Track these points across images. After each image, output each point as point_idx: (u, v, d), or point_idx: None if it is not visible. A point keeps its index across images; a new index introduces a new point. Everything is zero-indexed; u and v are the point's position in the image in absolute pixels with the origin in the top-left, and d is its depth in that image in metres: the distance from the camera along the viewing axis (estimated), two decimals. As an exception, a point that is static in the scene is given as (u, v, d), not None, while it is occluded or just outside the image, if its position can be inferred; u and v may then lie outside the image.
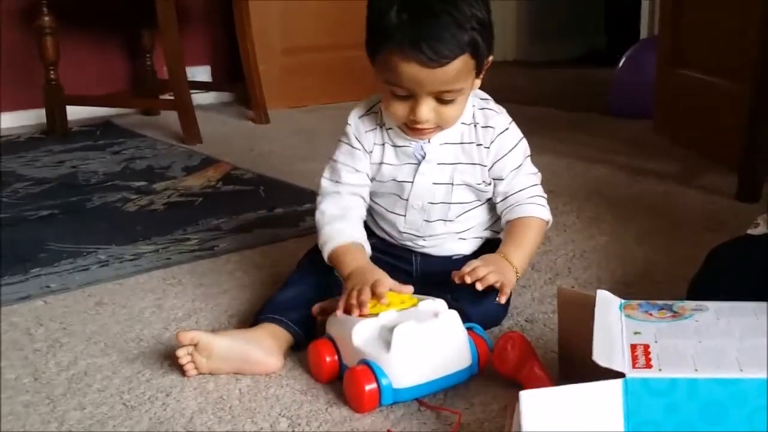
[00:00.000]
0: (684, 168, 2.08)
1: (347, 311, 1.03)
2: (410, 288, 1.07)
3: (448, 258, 1.23)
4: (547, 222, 1.20)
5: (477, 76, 1.12)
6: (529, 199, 1.19)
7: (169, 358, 1.11)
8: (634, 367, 0.76)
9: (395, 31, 1.03)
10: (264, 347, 1.07)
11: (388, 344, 0.96)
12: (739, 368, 0.74)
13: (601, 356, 0.77)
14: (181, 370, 1.06)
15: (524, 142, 1.20)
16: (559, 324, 1.04)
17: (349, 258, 1.13)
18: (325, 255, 1.16)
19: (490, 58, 1.13)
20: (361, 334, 0.99)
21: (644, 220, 1.67)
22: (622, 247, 1.52)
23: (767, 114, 1.75)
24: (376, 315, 1.01)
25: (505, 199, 1.19)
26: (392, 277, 1.20)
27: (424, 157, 1.17)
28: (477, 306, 1.13)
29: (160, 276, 1.44)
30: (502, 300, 1.10)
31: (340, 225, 1.16)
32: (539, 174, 1.23)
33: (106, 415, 0.99)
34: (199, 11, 3.35)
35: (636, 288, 1.32)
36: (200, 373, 1.06)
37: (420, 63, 1.03)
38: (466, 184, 1.18)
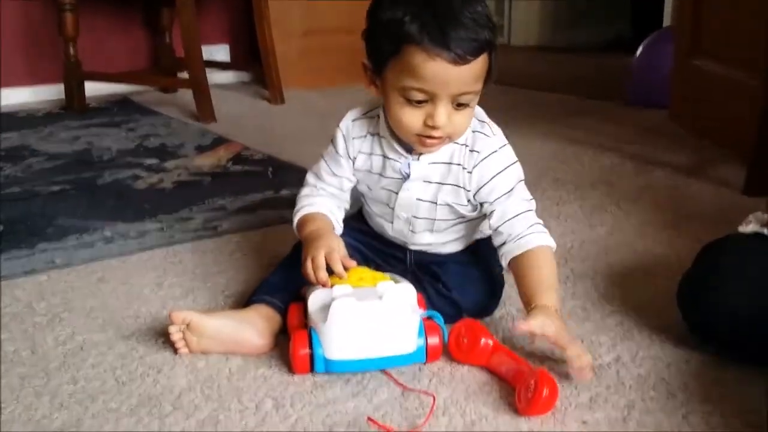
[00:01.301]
0: (696, 159, 2.06)
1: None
2: (353, 263, 1.08)
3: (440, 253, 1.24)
4: (554, 248, 1.14)
5: (487, 80, 1.08)
6: (529, 228, 1.12)
7: (164, 336, 1.12)
8: None
9: (417, 33, 0.99)
10: (255, 328, 1.09)
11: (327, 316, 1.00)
12: None
13: None
14: (173, 347, 1.09)
15: (516, 167, 1.15)
16: None
17: (309, 224, 1.16)
18: (294, 226, 1.20)
19: None
20: (314, 301, 1.04)
21: (649, 212, 1.67)
22: (623, 238, 1.52)
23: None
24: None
25: (501, 227, 1.12)
26: (386, 263, 1.23)
27: (408, 176, 1.14)
28: (468, 295, 1.15)
29: (162, 254, 1.47)
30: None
31: (313, 200, 1.21)
32: (533, 201, 1.16)
33: (97, 389, 1.01)
34: (220, -10, 3.36)
35: (630, 280, 1.32)
36: (192, 352, 1.08)
37: (448, 61, 1.00)
38: (447, 204, 1.15)
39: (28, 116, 2.73)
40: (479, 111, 1.15)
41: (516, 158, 1.16)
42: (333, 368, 1.01)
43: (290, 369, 1.03)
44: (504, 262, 1.14)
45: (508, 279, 1.28)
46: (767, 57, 1.78)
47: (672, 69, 2.48)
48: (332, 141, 1.20)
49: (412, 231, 1.20)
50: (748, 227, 1.11)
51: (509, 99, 2.89)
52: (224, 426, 0.93)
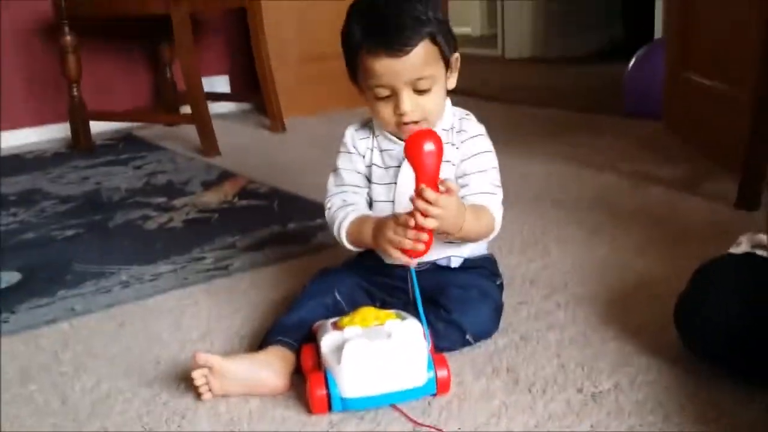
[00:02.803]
0: (690, 174, 2.11)
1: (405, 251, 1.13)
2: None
3: (442, 270, 1.30)
4: (495, 230, 1.25)
5: (447, 67, 1.22)
6: (489, 202, 1.24)
7: (185, 380, 1.18)
8: None
9: (361, 39, 1.18)
10: (272, 370, 1.14)
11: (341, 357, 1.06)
12: None
13: None
14: (196, 391, 1.14)
15: (493, 155, 1.29)
16: None
17: (366, 224, 1.22)
18: (344, 239, 1.26)
19: (456, 55, 1.24)
20: (326, 344, 1.09)
21: (646, 230, 1.72)
22: (622, 259, 1.57)
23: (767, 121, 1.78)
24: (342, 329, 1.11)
25: (468, 197, 1.23)
26: (391, 296, 1.29)
27: (404, 160, 1.25)
28: (470, 318, 1.22)
29: (177, 296, 1.52)
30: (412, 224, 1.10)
31: (349, 209, 1.27)
32: (501, 189, 1.27)
33: (126, 437, 1.07)
34: (217, 21, 3.43)
35: (628, 302, 1.37)
36: (214, 396, 1.13)
37: (389, 55, 1.15)
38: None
39: (36, 158, 2.80)
40: (461, 110, 1.30)
41: (493, 149, 1.29)
42: (350, 406, 1.07)
43: (308, 409, 1.08)
44: None
45: (508, 301, 1.35)
46: (755, 75, 1.82)
47: (664, 81, 2.53)
48: (342, 149, 1.32)
49: None
50: (739, 248, 1.16)
51: (509, 118, 2.96)
52: (248, 468, 0.98)
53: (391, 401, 1.08)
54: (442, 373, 1.10)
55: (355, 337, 1.07)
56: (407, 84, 1.17)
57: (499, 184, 1.28)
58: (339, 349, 1.07)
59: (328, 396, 1.06)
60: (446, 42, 1.20)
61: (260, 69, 2.98)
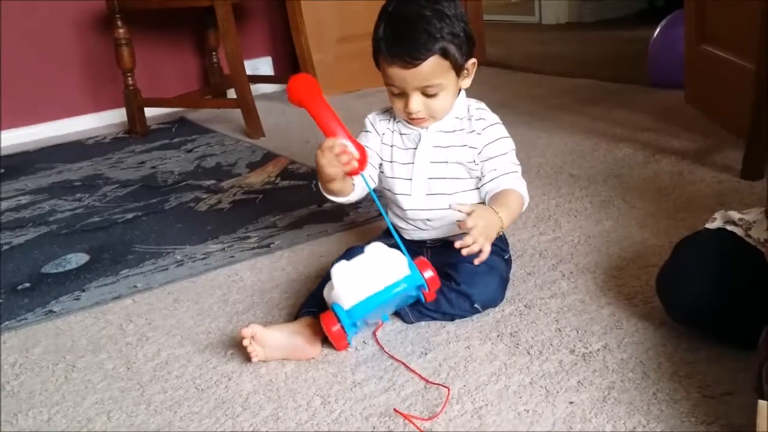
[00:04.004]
0: (704, 145, 2.21)
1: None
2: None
3: (456, 249, 1.46)
4: (527, 201, 1.41)
5: (459, 75, 1.38)
6: (514, 182, 1.41)
7: (232, 348, 1.38)
8: None
9: (381, 42, 1.33)
10: (303, 337, 1.33)
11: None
12: None
13: None
14: (244, 357, 1.33)
15: (510, 139, 1.45)
16: None
17: None
18: (322, 191, 1.46)
19: (471, 61, 1.40)
20: (327, 289, 1.32)
21: (652, 202, 1.84)
22: (625, 231, 1.70)
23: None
24: None
25: (492, 180, 1.40)
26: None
27: (420, 139, 1.44)
28: (477, 289, 1.38)
29: (225, 273, 1.72)
30: (479, 260, 1.30)
31: None
32: (520, 166, 1.45)
33: (182, 397, 1.26)
34: (260, 4, 3.59)
35: (625, 271, 1.51)
36: (259, 360, 1.32)
37: (400, 66, 1.31)
38: (458, 162, 1.43)
39: (96, 143, 3.02)
40: (475, 101, 1.47)
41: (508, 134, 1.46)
42: (355, 315, 1.25)
43: (334, 350, 1.29)
44: (486, 199, 1.42)
45: (517, 272, 1.51)
46: (759, 43, 1.90)
47: (684, 52, 2.62)
48: (363, 126, 1.51)
49: (428, 194, 1.43)
50: (713, 224, 1.30)
51: (536, 90, 3.07)
52: (283, 421, 1.17)
53: (387, 297, 1.26)
54: (428, 273, 1.29)
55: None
56: (416, 89, 1.34)
57: (518, 162, 1.45)
58: (331, 283, 1.28)
59: (342, 329, 1.25)
60: (459, 52, 1.35)
61: (299, 50, 3.15)
